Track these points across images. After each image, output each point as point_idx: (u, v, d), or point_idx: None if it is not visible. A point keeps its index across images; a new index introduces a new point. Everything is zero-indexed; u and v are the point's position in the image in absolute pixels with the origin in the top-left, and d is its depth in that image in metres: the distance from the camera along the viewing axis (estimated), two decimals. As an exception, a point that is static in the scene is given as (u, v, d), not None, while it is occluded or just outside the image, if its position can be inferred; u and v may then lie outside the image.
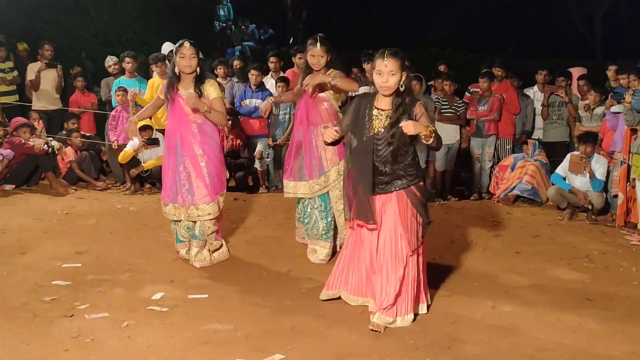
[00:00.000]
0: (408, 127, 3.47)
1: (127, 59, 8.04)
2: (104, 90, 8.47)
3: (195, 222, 4.81)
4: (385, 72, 3.57)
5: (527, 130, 8.02)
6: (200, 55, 5.03)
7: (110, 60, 8.48)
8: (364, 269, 3.88)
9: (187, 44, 4.63)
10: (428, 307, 3.98)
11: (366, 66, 7.71)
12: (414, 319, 3.81)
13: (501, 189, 7.48)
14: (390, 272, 3.67)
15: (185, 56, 4.62)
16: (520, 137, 7.98)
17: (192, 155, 4.69)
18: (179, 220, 4.84)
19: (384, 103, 3.69)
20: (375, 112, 3.67)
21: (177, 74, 4.68)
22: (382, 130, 3.64)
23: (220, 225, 4.99)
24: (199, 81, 4.68)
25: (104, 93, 8.45)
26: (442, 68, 8.48)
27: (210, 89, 4.70)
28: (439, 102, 7.69)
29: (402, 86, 3.64)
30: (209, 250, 4.90)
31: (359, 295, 3.96)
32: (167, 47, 8.30)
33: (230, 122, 7.61)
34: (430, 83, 8.18)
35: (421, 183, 3.83)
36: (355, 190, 3.74)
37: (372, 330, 3.66)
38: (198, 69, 4.68)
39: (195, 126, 4.70)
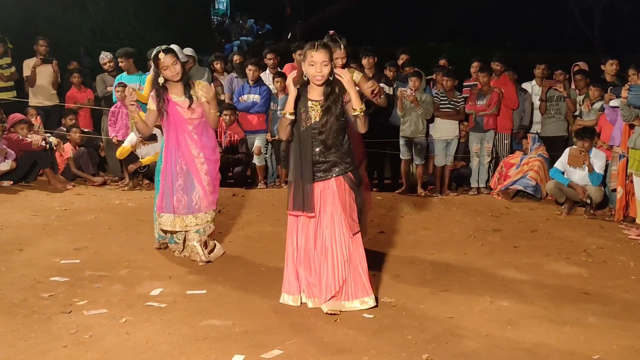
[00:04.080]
0: (345, 76, 3.68)
1: (120, 59, 7.99)
2: (99, 86, 8.45)
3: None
4: (318, 63, 3.72)
5: (524, 124, 8.02)
6: (189, 54, 4.86)
7: (105, 58, 8.40)
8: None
9: (162, 54, 4.46)
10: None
11: (364, 61, 7.71)
12: (377, 303, 3.91)
13: (503, 184, 7.47)
14: (338, 257, 3.80)
15: (169, 66, 4.48)
16: (518, 132, 7.97)
17: (190, 158, 4.64)
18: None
19: (315, 94, 3.84)
20: (309, 103, 3.82)
21: (163, 84, 4.57)
22: (318, 119, 3.80)
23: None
24: (187, 85, 4.61)
25: (100, 89, 8.43)
26: (442, 62, 8.47)
27: (201, 93, 4.64)
28: (437, 98, 7.68)
29: (331, 75, 3.80)
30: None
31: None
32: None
33: (229, 118, 7.61)
34: (431, 77, 8.18)
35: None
36: (295, 180, 3.86)
37: (330, 314, 3.76)
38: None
39: (192, 127, 4.65)
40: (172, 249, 4.99)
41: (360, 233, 3.96)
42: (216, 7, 17.29)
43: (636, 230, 5.92)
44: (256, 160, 7.79)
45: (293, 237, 3.95)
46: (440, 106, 7.65)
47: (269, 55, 8.27)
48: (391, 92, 7.72)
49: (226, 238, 5.46)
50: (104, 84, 8.35)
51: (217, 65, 8.51)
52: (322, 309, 3.82)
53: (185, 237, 4.85)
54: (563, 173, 6.86)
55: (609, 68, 7.49)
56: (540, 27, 18.02)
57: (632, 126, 6.13)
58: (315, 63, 3.72)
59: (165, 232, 4.90)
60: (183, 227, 4.72)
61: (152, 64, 4.69)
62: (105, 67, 8.40)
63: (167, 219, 4.71)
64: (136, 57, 8.19)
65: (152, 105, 4.65)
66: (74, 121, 8.25)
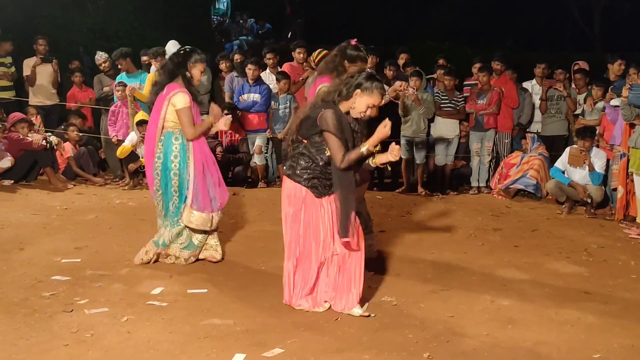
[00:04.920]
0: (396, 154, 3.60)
1: (118, 62, 7.97)
2: (96, 87, 8.45)
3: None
4: (375, 109, 3.72)
5: (522, 123, 8.01)
6: None
7: (99, 58, 8.39)
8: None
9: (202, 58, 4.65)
10: None
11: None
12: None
13: (503, 184, 7.47)
14: (356, 265, 3.79)
15: (204, 71, 4.72)
16: (518, 131, 7.96)
17: (211, 158, 4.72)
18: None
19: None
20: (353, 126, 3.74)
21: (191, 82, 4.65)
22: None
23: None
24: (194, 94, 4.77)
25: (97, 89, 8.44)
26: (440, 61, 8.47)
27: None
28: (438, 97, 7.68)
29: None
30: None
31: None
32: (172, 46, 8.22)
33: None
34: (431, 76, 8.17)
35: None
36: (349, 208, 3.67)
37: (365, 316, 3.79)
38: None
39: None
40: (190, 255, 4.71)
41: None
42: (217, 6, 17.28)
43: (636, 230, 5.92)
44: (257, 160, 7.79)
45: (300, 243, 3.84)
46: (441, 105, 7.66)
47: (268, 55, 8.29)
48: (390, 92, 7.71)
49: (227, 237, 5.46)
50: (100, 85, 8.35)
51: (223, 65, 8.53)
52: (354, 313, 3.79)
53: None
54: (563, 172, 6.86)
55: (616, 68, 7.39)
56: (540, 26, 18.01)
57: (632, 125, 6.14)
58: (374, 107, 3.68)
59: (192, 230, 4.65)
60: (214, 225, 4.67)
61: (176, 60, 4.63)
62: (101, 67, 8.40)
63: (206, 218, 4.58)
64: (133, 56, 8.18)
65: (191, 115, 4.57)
66: (80, 122, 8.25)
